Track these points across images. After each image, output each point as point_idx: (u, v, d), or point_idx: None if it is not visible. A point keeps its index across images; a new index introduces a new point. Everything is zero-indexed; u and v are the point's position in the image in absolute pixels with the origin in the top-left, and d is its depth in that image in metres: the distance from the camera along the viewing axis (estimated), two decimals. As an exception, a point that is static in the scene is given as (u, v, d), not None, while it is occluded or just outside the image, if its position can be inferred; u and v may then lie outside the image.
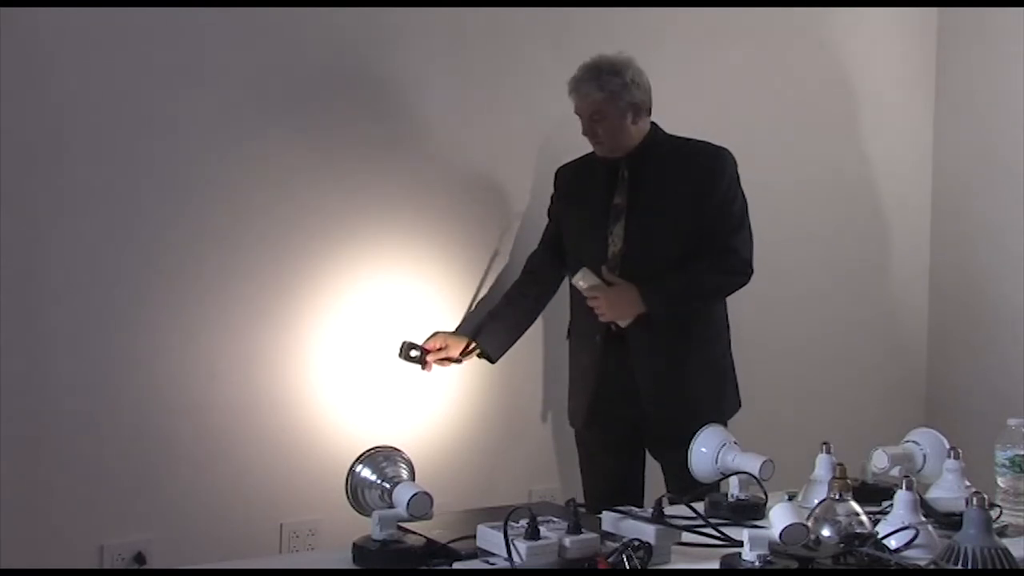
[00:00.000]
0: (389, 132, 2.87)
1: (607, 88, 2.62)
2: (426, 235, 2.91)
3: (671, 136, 2.72)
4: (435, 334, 2.78)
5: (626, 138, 2.66)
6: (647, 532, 1.64)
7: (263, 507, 2.69)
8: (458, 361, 2.78)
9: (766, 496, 1.95)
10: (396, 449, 1.80)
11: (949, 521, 1.80)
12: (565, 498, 2.27)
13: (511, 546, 1.54)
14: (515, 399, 3.07)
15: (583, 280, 2.61)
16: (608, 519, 1.73)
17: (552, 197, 2.89)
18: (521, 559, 1.53)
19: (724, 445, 2.01)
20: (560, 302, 2.84)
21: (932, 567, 1.57)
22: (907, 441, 2.18)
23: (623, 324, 2.61)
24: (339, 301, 2.79)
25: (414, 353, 2.72)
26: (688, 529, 1.72)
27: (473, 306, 2.96)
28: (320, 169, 2.76)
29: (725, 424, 2.45)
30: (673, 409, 2.61)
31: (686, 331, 2.63)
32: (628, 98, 2.64)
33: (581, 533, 1.59)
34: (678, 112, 2.88)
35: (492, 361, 2.82)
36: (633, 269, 2.61)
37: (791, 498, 1.93)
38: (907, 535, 1.69)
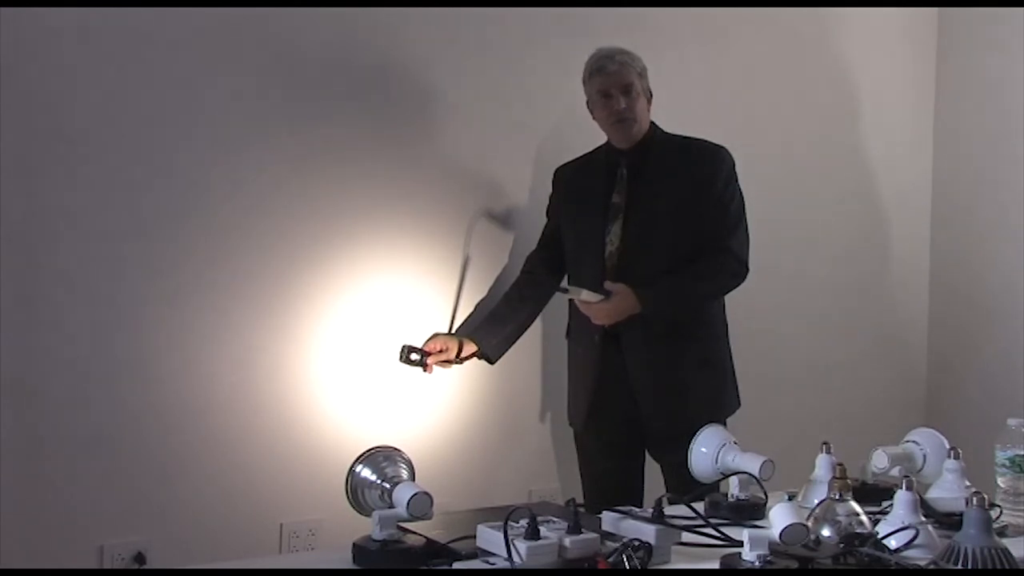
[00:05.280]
0: (389, 133, 2.87)
1: (638, 65, 2.66)
2: (426, 235, 2.91)
3: (670, 135, 2.73)
4: (434, 336, 2.77)
5: (645, 123, 2.68)
6: (647, 532, 1.63)
7: (263, 507, 2.69)
8: (458, 362, 2.78)
9: (766, 496, 1.95)
10: (396, 449, 1.79)
11: (949, 521, 1.80)
12: (565, 498, 2.28)
13: (511, 546, 1.54)
14: (515, 399, 3.07)
15: (575, 295, 2.61)
16: (608, 519, 1.73)
17: (550, 197, 2.89)
18: (521, 559, 1.52)
19: (724, 445, 2.01)
20: (559, 302, 2.84)
21: (932, 567, 1.56)
22: (907, 441, 2.18)
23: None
24: (339, 301, 2.79)
25: (414, 356, 2.72)
26: (688, 529, 1.72)
27: (473, 308, 2.96)
28: (320, 170, 2.76)
29: (724, 424, 2.46)
30: (672, 409, 2.61)
31: (684, 331, 2.63)
32: (647, 82, 2.69)
33: (581, 533, 1.58)
34: (678, 111, 2.88)
35: (491, 362, 2.82)
36: (630, 268, 2.61)
37: (791, 498, 1.92)
38: (907, 535, 1.69)
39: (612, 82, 2.64)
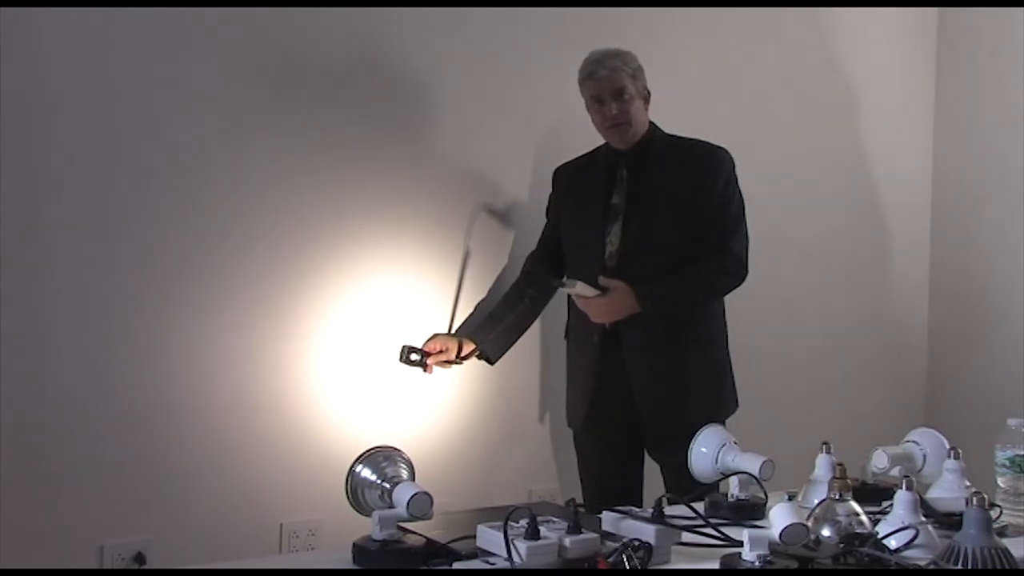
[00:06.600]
0: (389, 133, 2.87)
1: (631, 66, 2.64)
2: (426, 236, 2.91)
3: (670, 135, 2.72)
4: (434, 336, 2.77)
5: (642, 124, 2.67)
6: (647, 532, 1.63)
7: (263, 507, 2.69)
8: (458, 362, 2.78)
9: (766, 496, 1.95)
10: (396, 449, 1.79)
11: (949, 521, 1.80)
12: (565, 498, 2.27)
13: (511, 546, 1.54)
14: (514, 399, 3.07)
15: (571, 288, 2.61)
16: (608, 519, 1.73)
17: (550, 197, 2.89)
18: (521, 559, 1.52)
19: (724, 445, 2.01)
20: (559, 303, 2.84)
21: (932, 567, 1.57)
22: (907, 441, 2.18)
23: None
24: (339, 301, 2.79)
25: (414, 356, 2.72)
26: (688, 529, 1.72)
27: (473, 308, 2.96)
28: (321, 170, 2.76)
29: (723, 424, 2.46)
30: (671, 409, 2.61)
31: (683, 331, 2.63)
32: (644, 82, 2.66)
33: (581, 533, 1.58)
34: (677, 112, 2.88)
35: (491, 362, 2.82)
36: (630, 269, 2.60)
37: (791, 498, 1.93)
38: (907, 535, 1.69)
39: (603, 87, 2.63)
